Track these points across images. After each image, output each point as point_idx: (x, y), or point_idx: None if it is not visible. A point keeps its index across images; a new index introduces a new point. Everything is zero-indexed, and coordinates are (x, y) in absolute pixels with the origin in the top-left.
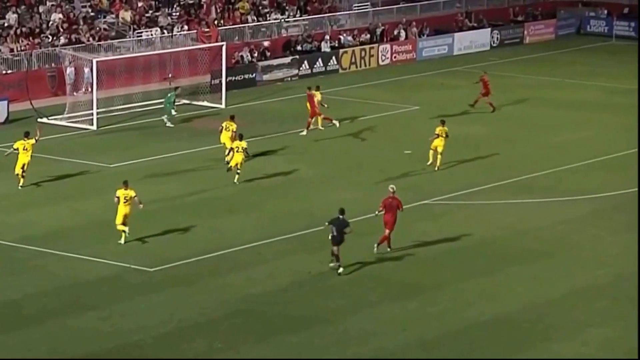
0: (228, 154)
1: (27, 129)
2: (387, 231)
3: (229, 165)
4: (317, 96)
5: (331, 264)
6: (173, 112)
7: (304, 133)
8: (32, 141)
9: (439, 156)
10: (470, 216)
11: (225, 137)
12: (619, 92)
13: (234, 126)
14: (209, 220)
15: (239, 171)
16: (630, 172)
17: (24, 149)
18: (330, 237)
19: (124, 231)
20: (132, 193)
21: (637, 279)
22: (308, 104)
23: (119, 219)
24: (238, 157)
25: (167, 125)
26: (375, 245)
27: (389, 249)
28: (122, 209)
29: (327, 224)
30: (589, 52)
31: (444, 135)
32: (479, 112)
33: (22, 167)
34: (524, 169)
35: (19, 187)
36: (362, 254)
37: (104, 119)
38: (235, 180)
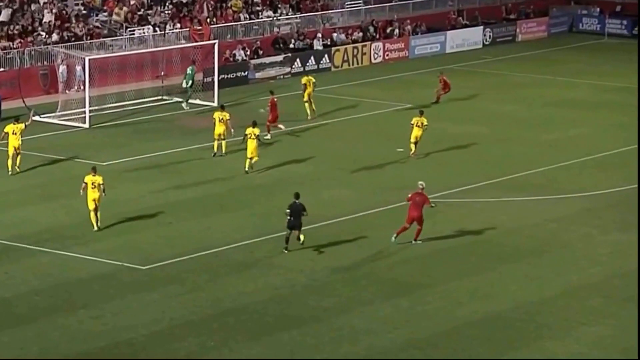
0: (244, 142)
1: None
2: (407, 225)
3: (250, 163)
4: (311, 80)
5: (285, 251)
6: (187, 86)
7: (268, 137)
8: (22, 126)
9: (416, 144)
10: (463, 214)
11: (220, 129)
12: (611, 89)
13: (227, 115)
14: (202, 219)
15: (251, 158)
16: (623, 170)
17: (12, 133)
18: (286, 222)
19: (96, 219)
20: (99, 179)
21: (638, 278)
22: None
23: (90, 205)
24: (251, 144)
25: (184, 107)
26: (394, 235)
27: (414, 241)
28: (91, 195)
29: (287, 211)
30: (581, 50)
31: (420, 125)
32: (467, 109)
33: (14, 149)
34: (517, 167)
35: (15, 168)
36: (354, 253)
37: (97, 116)
38: (247, 168)
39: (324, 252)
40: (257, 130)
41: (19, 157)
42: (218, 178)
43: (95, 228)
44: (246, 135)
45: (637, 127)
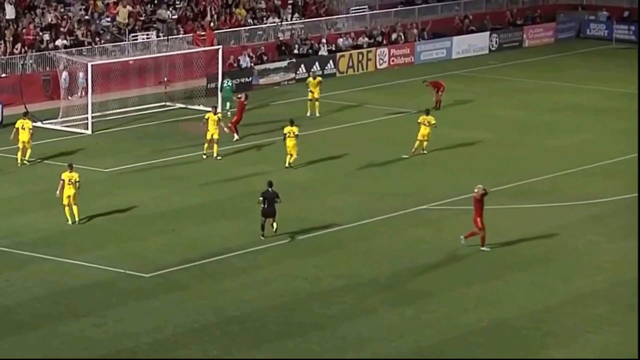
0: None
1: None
2: (476, 228)
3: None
4: (316, 80)
5: (262, 238)
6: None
7: (236, 138)
8: (30, 123)
9: (424, 142)
10: (468, 222)
11: (209, 131)
12: (618, 96)
13: (214, 117)
14: (204, 225)
15: (291, 155)
16: (629, 178)
17: (22, 128)
18: (261, 210)
19: (71, 214)
20: (76, 176)
21: (637, 285)
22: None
23: (65, 200)
24: (290, 142)
25: (228, 115)
26: (465, 239)
27: (484, 248)
28: (67, 191)
29: (260, 199)
30: (589, 56)
31: (426, 124)
32: (480, 116)
33: (23, 143)
34: (522, 174)
35: (23, 161)
36: (359, 260)
37: (99, 123)
38: (289, 162)
39: (328, 259)
40: (295, 129)
41: (28, 150)
42: (220, 184)
43: (70, 222)
44: (285, 134)
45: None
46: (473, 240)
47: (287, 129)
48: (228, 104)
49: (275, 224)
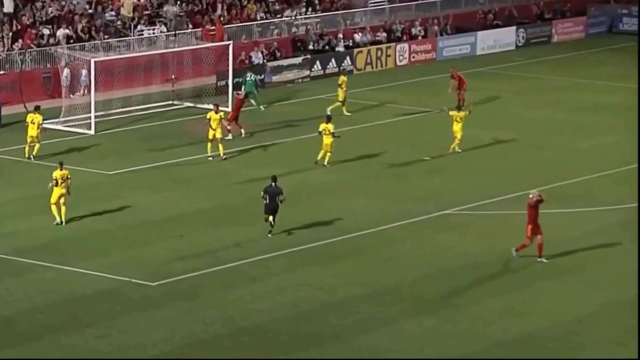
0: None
1: (22, 134)
2: (537, 239)
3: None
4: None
5: (269, 235)
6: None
7: (243, 135)
8: (39, 118)
9: (456, 140)
10: (494, 227)
11: (211, 131)
12: None
13: (216, 116)
14: (213, 232)
15: (329, 152)
16: None
17: (31, 122)
18: (264, 205)
19: (59, 213)
20: (66, 173)
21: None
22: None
23: (53, 199)
24: (327, 140)
25: (261, 109)
26: (539, 257)
27: (539, 258)
28: (57, 190)
29: (262, 193)
30: (621, 52)
31: (458, 120)
32: (504, 115)
33: (32, 138)
34: (552, 177)
35: (31, 157)
36: (377, 268)
37: (102, 122)
38: (326, 163)
39: (345, 266)
40: (330, 126)
41: (35, 146)
42: (231, 187)
43: (58, 221)
44: (320, 131)
45: None
46: (527, 251)
47: (322, 126)
48: (252, 101)
49: (273, 223)
